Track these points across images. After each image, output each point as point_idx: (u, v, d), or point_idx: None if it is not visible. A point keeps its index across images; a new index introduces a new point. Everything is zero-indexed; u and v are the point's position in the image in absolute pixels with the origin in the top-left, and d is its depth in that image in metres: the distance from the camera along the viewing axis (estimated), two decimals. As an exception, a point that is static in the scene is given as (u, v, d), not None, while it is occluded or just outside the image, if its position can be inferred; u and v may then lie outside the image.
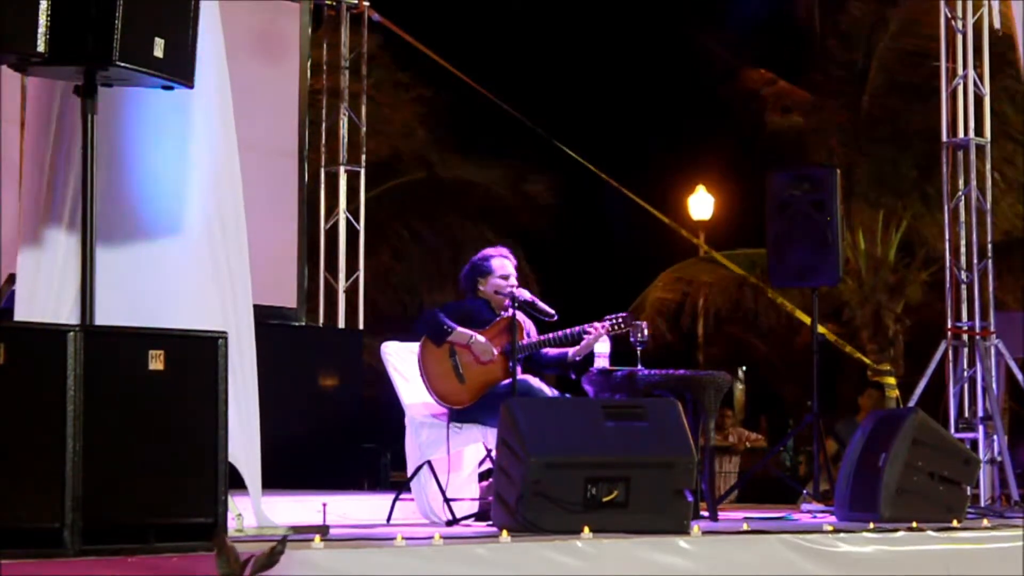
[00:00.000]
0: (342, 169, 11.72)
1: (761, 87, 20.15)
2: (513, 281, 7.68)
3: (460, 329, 7.51)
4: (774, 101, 20.14)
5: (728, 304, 20.42)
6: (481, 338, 7.51)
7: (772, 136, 19.95)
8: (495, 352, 7.51)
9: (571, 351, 7.68)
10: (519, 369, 7.39)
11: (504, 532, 5.36)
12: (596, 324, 7.62)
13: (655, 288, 19.88)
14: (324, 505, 6.94)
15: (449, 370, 7.50)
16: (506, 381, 7.44)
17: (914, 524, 6.58)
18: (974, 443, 10.10)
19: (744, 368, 22.25)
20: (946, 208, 10.52)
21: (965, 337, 10.35)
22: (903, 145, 18.83)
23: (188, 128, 5.87)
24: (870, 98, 19.18)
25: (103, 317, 5.31)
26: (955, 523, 6.94)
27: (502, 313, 7.65)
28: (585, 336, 7.60)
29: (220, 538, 4.28)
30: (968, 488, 7.46)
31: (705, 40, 20.59)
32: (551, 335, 7.63)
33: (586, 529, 5.60)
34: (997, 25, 10.28)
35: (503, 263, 7.72)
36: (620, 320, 7.61)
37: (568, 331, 7.61)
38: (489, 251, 7.83)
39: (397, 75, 18.76)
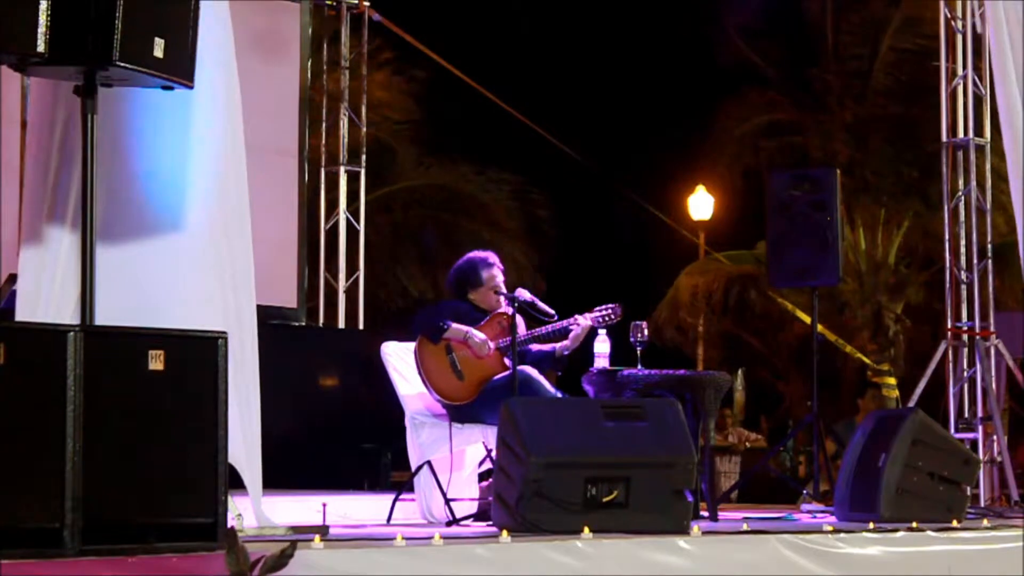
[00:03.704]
0: (342, 169, 11.73)
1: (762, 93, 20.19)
2: (502, 288, 7.66)
3: (455, 325, 7.50)
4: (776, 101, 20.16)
5: (732, 306, 20.50)
6: (478, 333, 7.50)
7: (773, 135, 19.99)
8: (492, 347, 7.51)
9: (558, 346, 7.67)
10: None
11: (504, 532, 5.36)
12: (584, 316, 7.58)
13: (666, 321, 19.98)
14: (324, 505, 6.94)
15: (447, 367, 7.49)
16: (503, 374, 7.44)
17: (914, 524, 6.58)
18: (974, 443, 10.10)
19: (743, 369, 22.26)
20: (946, 208, 10.52)
21: (965, 337, 10.35)
22: (904, 145, 18.85)
23: (191, 128, 5.86)
24: (873, 97, 19.20)
25: (104, 317, 5.31)
26: (955, 523, 6.94)
27: (497, 310, 7.64)
28: (572, 329, 7.56)
29: (231, 536, 4.28)
30: (968, 488, 7.46)
31: (708, 38, 20.60)
32: (539, 330, 7.60)
33: (586, 529, 5.60)
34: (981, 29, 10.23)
35: (492, 274, 7.67)
36: (609, 311, 7.59)
37: (556, 325, 7.58)
38: (477, 260, 7.73)
39: (396, 75, 18.78)
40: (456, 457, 7.50)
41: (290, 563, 4.30)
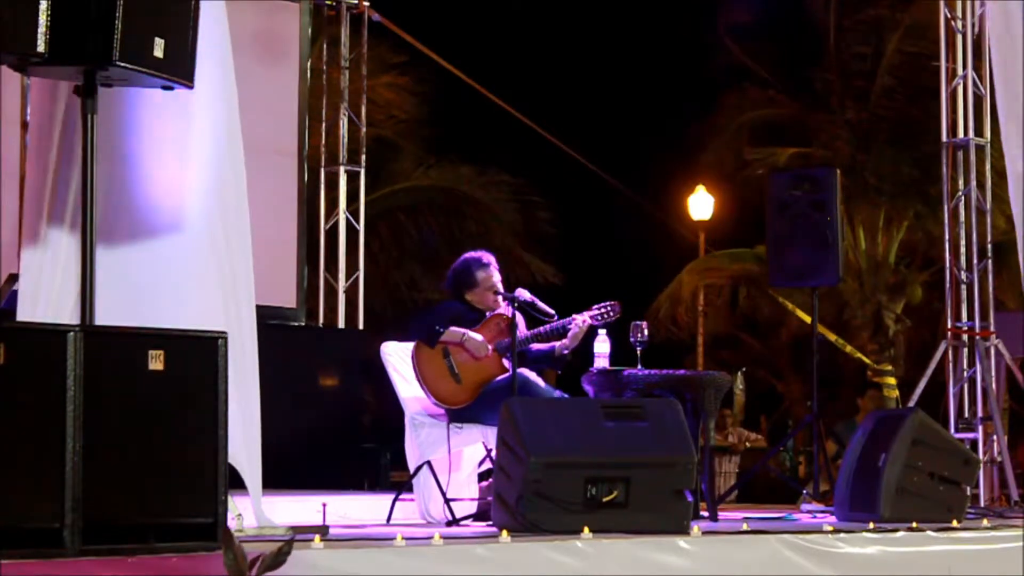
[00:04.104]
0: (342, 169, 11.73)
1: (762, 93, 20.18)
2: (500, 289, 7.65)
3: (452, 328, 7.49)
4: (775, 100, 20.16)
5: (729, 306, 20.52)
6: (475, 335, 7.49)
7: (774, 135, 19.99)
8: (489, 348, 7.50)
9: (558, 344, 7.66)
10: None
11: (504, 532, 5.36)
12: (582, 314, 7.58)
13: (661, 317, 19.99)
14: (324, 505, 6.94)
15: (444, 371, 7.48)
16: (501, 376, 7.44)
17: (914, 524, 6.58)
18: (974, 443, 10.10)
19: (744, 369, 22.27)
20: (946, 208, 10.52)
21: (965, 337, 10.35)
22: (905, 145, 18.84)
23: (191, 128, 5.86)
24: (874, 98, 19.19)
25: (104, 317, 5.31)
26: (955, 523, 6.94)
27: (495, 310, 7.63)
28: (571, 328, 7.55)
29: (228, 535, 4.29)
30: (968, 488, 7.46)
31: (709, 38, 20.58)
32: (538, 329, 7.59)
33: (586, 529, 5.61)
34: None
35: (488, 274, 7.66)
36: (608, 309, 7.58)
37: (554, 324, 7.57)
38: (472, 261, 7.70)
39: (396, 76, 18.77)
40: (455, 457, 7.49)
41: (290, 562, 4.31)
